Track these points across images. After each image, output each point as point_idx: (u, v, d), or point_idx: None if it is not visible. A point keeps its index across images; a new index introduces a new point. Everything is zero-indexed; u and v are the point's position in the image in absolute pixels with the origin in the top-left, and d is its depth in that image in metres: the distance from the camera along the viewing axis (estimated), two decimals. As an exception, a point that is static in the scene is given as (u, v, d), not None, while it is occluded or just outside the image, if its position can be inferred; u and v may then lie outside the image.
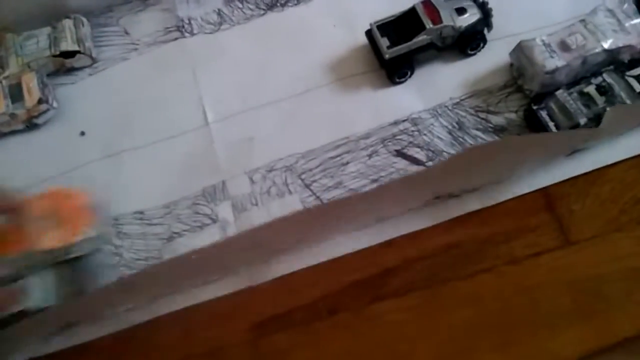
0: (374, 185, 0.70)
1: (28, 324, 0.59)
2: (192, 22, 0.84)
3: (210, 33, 0.83)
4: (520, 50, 0.70)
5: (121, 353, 0.66)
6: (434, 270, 0.66)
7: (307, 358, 0.64)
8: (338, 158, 0.72)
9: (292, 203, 0.71)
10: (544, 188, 0.68)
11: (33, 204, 0.67)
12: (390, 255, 0.67)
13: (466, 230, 0.67)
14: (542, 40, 0.69)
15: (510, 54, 0.72)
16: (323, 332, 0.64)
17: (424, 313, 0.64)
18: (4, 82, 0.79)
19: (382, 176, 0.70)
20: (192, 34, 0.83)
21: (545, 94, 0.69)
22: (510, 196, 0.68)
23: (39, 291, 0.64)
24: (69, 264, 0.67)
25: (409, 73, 0.75)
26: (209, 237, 0.70)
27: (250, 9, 0.84)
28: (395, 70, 0.75)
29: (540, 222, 0.67)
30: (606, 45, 0.68)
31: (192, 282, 0.66)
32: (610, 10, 0.71)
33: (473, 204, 0.68)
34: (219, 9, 0.84)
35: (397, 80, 0.75)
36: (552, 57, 0.68)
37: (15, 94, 0.78)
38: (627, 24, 0.70)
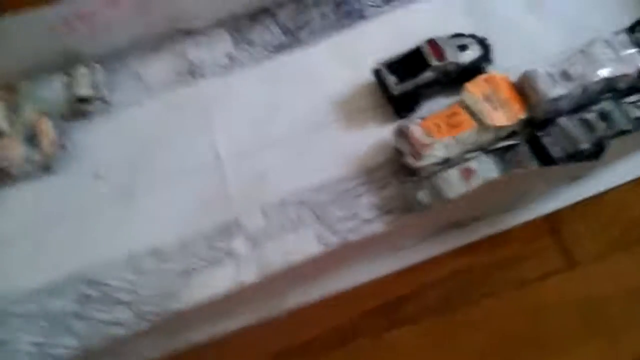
0: (388, 216, 0.71)
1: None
2: (204, 65, 0.86)
3: (221, 76, 0.85)
4: (525, 79, 0.73)
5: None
6: (445, 296, 0.67)
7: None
8: (351, 190, 0.74)
9: (307, 236, 0.72)
10: (548, 213, 0.70)
11: (476, 88, 0.72)
12: (402, 283, 0.68)
13: (475, 256, 0.69)
14: (546, 70, 0.72)
15: (515, 83, 0.75)
16: (341, 360, 0.65)
17: (438, 339, 0.65)
18: (20, 128, 0.81)
19: (396, 207, 0.72)
20: (204, 77, 0.85)
21: (547, 121, 0.72)
22: (516, 222, 0.70)
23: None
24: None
25: (414, 107, 0.78)
26: (224, 272, 0.71)
27: (259, 52, 0.86)
28: (402, 105, 0.77)
29: (546, 245, 0.69)
30: (605, 74, 0.72)
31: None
32: (606, 41, 0.74)
33: (482, 231, 0.70)
34: (229, 53, 0.87)
35: (404, 114, 0.78)
36: (554, 86, 0.71)
37: (32, 139, 0.80)
38: (622, 54, 0.73)
